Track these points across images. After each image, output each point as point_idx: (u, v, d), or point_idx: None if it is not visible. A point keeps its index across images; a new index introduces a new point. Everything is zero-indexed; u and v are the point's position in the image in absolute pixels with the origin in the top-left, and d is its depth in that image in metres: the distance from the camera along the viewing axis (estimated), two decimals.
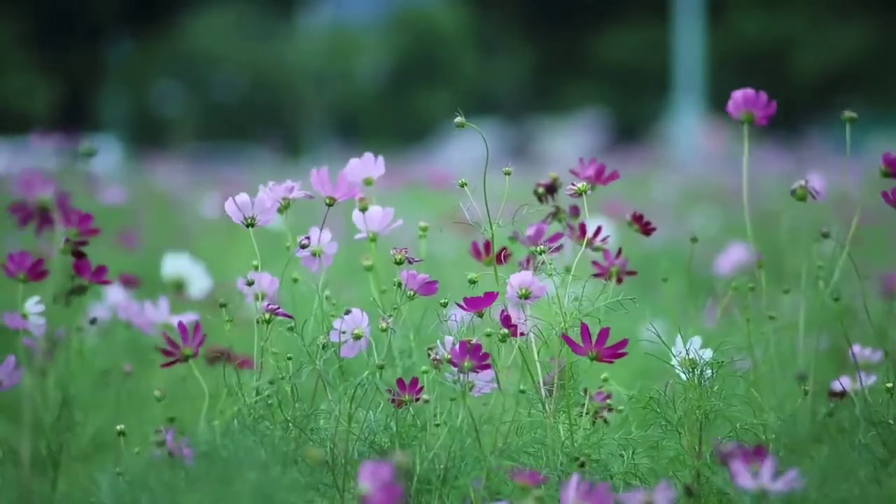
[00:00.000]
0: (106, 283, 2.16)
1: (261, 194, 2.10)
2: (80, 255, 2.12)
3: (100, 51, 31.79)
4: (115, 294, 2.93)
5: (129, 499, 1.78)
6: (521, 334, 2.04)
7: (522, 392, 2.06)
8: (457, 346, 1.98)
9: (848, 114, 2.12)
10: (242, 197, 2.09)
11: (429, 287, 2.06)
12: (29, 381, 1.99)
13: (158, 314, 2.63)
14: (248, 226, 2.08)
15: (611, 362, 2.02)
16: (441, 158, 19.62)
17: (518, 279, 2.06)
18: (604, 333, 2.00)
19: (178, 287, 3.01)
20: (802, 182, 2.16)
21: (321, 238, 2.11)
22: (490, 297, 2.03)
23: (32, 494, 1.81)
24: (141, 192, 8.95)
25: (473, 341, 1.98)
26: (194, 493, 1.73)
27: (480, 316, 2.03)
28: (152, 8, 31.93)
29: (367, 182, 2.18)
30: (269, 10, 32.63)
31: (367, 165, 2.18)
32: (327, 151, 24.13)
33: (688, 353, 2.05)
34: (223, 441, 1.86)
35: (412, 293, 2.05)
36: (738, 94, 2.18)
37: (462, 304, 2.03)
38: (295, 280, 2.14)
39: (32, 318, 2.11)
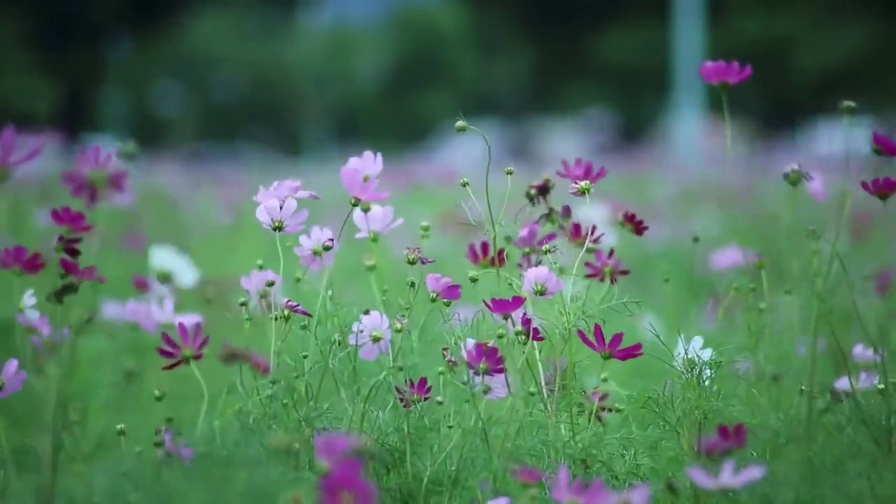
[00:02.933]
0: (97, 280, 2.16)
1: (290, 201, 2.10)
2: (74, 253, 2.13)
3: (100, 51, 31.78)
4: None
5: (127, 499, 1.78)
6: (541, 338, 2.05)
7: (532, 394, 2.06)
8: (473, 349, 1.98)
9: (846, 103, 2.12)
10: (272, 203, 2.09)
11: (452, 291, 2.06)
12: (52, 373, 2.00)
13: (162, 314, 2.63)
14: (275, 229, 2.09)
15: (623, 361, 2.03)
16: (441, 158, 19.62)
17: (534, 274, 2.06)
18: (618, 336, 2.02)
19: (166, 279, 3.01)
20: (795, 166, 2.16)
21: (321, 236, 2.12)
22: (517, 300, 2.03)
23: (53, 493, 1.81)
24: (141, 192, 8.95)
25: (490, 344, 1.98)
26: (193, 493, 1.73)
27: (506, 318, 2.03)
28: (152, 8, 31.92)
29: (366, 179, 2.19)
30: (269, 10, 32.63)
31: (366, 163, 2.18)
32: (327, 151, 24.13)
33: (687, 354, 2.06)
34: (222, 441, 1.86)
35: (435, 296, 2.06)
36: (707, 66, 2.20)
37: (488, 304, 2.03)
38: (298, 279, 2.14)
39: (28, 312, 2.12)
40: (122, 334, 2.93)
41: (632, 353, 2.02)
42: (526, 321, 2.03)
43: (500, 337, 2.01)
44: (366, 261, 2.18)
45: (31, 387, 2.05)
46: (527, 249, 2.21)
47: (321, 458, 1.58)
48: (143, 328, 2.67)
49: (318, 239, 2.11)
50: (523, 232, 2.24)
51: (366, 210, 2.17)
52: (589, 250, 2.22)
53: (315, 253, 2.11)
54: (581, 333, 2.02)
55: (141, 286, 2.95)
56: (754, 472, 1.76)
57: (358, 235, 2.20)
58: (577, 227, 2.24)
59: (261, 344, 2.05)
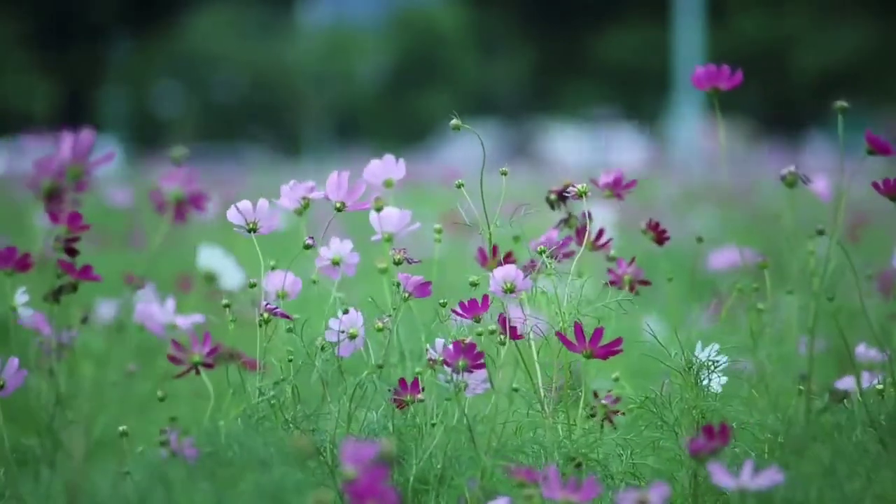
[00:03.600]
0: (94, 279, 2.16)
1: (261, 200, 2.09)
2: (72, 253, 2.13)
3: (100, 51, 31.79)
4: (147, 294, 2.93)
5: (134, 499, 1.78)
6: (520, 337, 2.04)
7: (516, 391, 2.05)
8: (451, 346, 1.98)
9: (839, 104, 2.11)
10: (244, 203, 2.08)
11: (423, 289, 2.06)
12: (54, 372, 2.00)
13: (164, 315, 2.63)
14: (249, 231, 2.08)
15: (604, 359, 2.01)
16: (441, 158, 19.62)
17: (502, 273, 2.05)
18: (598, 332, 2.00)
19: (211, 280, 2.99)
20: (792, 168, 2.16)
21: (342, 247, 2.10)
22: (486, 301, 2.02)
23: (81, 489, 1.81)
24: (141, 192, 8.94)
25: (467, 341, 1.98)
26: (199, 493, 1.72)
27: (477, 321, 2.03)
28: (152, 8, 31.92)
29: (388, 184, 2.17)
30: (269, 9, 32.63)
31: (387, 167, 2.16)
32: (327, 151, 24.13)
33: (685, 354, 2.05)
34: (227, 441, 1.86)
35: (407, 295, 2.05)
36: (700, 71, 2.20)
37: (457, 309, 2.02)
38: (314, 281, 2.13)
39: (21, 310, 2.12)
40: (132, 334, 2.92)
41: (612, 350, 2.01)
42: (502, 320, 2.03)
43: (479, 335, 2.01)
44: (377, 263, 2.17)
45: (29, 385, 2.05)
46: (538, 251, 2.20)
47: (347, 464, 1.59)
48: (149, 329, 2.66)
49: (337, 249, 2.10)
50: (542, 238, 2.23)
51: (379, 210, 2.16)
52: (611, 259, 2.21)
53: (334, 263, 2.10)
54: (559, 334, 2.01)
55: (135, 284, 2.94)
56: (775, 476, 1.75)
57: (373, 238, 2.18)
58: (581, 230, 2.22)
59: (269, 345, 2.04)
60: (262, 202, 2.09)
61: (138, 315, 2.69)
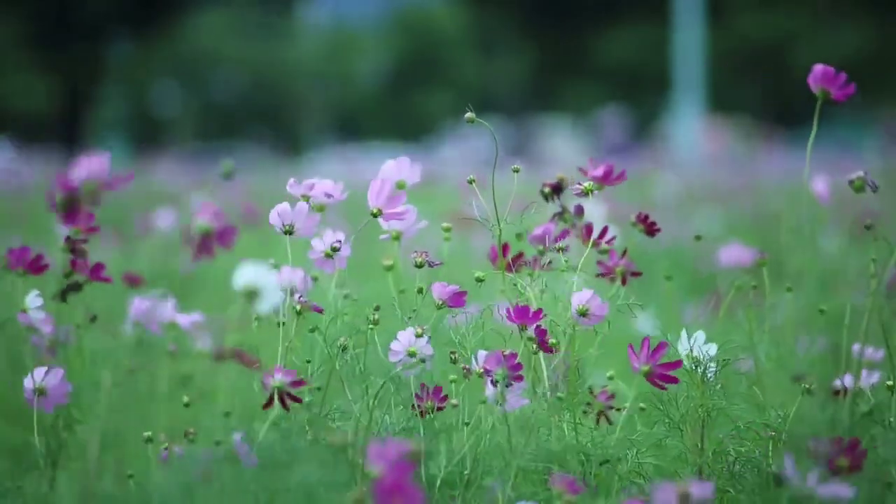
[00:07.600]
0: (104, 280, 2.17)
1: (300, 204, 2.09)
2: (80, 253, 2.13)
3: (99, 50, 31.78)
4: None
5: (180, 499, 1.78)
6: (551, 350, 2.04)
7: (560, 399, 2.04)
8: (491, 356, 1.97)
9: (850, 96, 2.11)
10: (283, 206, 2.08)
11: (458, 298, 2.05)
12: (107, 380, 2.01)
13: (165, 313, 2.63)
14: (286, 233, 2.07)
15: (664, 381, 2.01)
16: (441, 158, 19.62)
17: (579, 298, 2.04)
18: (661, 346, 2.00)
19: (250, 297, 2.97)
20: (861, 173, 2.16)
21: (333, 238, 2.10)
22: (537, 314, 2.02)
23: (94, 491, 1.81)
24: (141, 192, 8.95)
25: (507, 352, 1.97)
26: (247, 493, 1.73)
27: (523, 329, 2.02)
28: (152, 8, 31.92)
29: (400, 186, 2.17)
30: (269, 9, 32.63)
31: (401, 169, 2.17)
32: (327, 151, 24.14)
33: (691, 351, 2.05)
34: (275, 443, 1.86)
35: (441, 304, 2.05)
36: (817, 68, 2.19)
37: (510, 314, 2.01)
38: (315, 278, 2.13)
39: (33, 313, 2.12)
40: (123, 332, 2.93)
41: (667, 373, 2.00)
42: (541, 332, 2.02)
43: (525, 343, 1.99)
44: (384, 261, 2.17)
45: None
46: (540, 248, 2.20)
47: (373, 462, 1.59)
48: (148, 328, 2.66)
49: (329, 241, 2.10)
50: (537, 231, 2.23)
51: (396, 239, 2.16)
52: (603, 251, 2.22)
53: (326, 255, 2.10)
54: (631, 350, 2.00)
55: (133, 282, 2.95)
56: (842, 490, 1.75)
57: (381, 237, 2.18)
58: (588, 228, 2.23)
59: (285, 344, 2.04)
60: (302, 205, 2.08)
61: (135, 313, 2.69)
